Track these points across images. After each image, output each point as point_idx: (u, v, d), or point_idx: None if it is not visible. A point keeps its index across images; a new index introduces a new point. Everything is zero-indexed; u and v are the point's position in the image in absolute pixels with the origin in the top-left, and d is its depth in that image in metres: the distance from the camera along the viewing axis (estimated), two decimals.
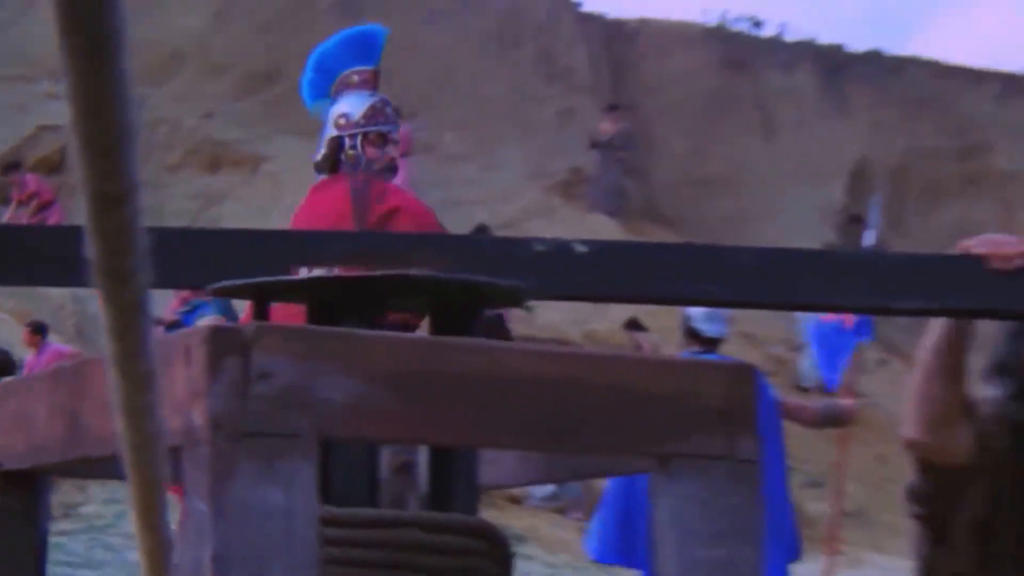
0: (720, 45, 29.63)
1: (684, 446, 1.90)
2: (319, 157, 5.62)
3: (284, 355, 1.64)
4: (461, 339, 1.89)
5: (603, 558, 8.28)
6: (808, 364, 20.67)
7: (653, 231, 24.72)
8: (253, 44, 23.25)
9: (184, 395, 1.63)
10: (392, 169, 5.62)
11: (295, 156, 21.60)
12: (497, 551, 1.96)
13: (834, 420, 8.57)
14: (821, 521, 12.50)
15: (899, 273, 3.13)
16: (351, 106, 5.55)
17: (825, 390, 17.76)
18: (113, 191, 0.95)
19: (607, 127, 23.31)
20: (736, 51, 30.10)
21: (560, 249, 2.80)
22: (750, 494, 1.94)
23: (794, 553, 8.11)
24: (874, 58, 31.69)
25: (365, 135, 5.51)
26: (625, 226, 22.73)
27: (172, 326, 12.73)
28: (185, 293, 12.13)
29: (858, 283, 3.08)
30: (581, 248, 2.79)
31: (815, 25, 59.40)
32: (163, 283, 3.03)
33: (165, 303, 13.09)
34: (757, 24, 31.07)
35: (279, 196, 21.31)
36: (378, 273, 2.05)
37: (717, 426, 1.91)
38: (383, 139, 5.56)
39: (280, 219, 20.32)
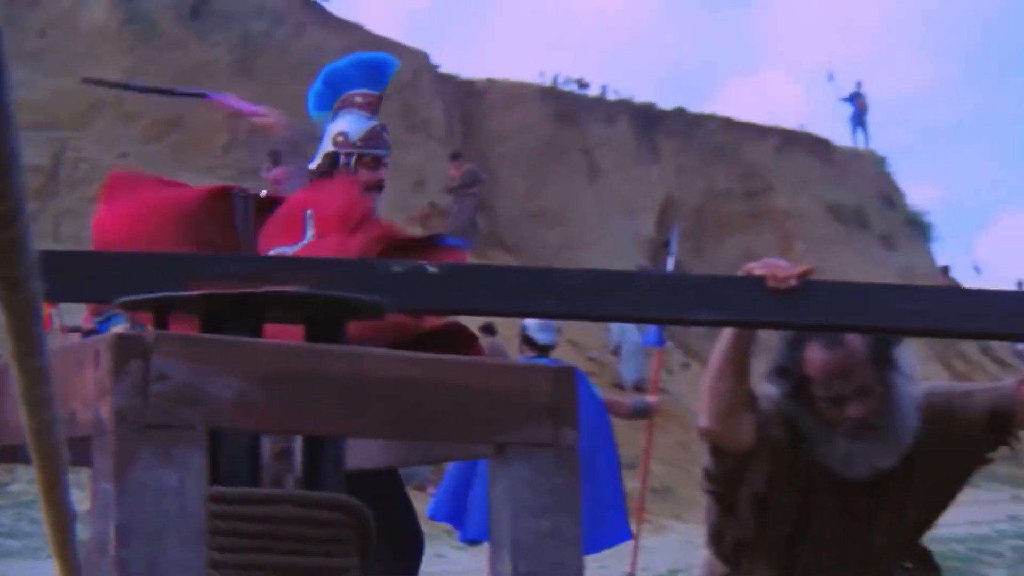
0: (553, 101, 29.82)
1: (517, 436, 1.90)
2: (314, 167, 5.19)
3: (179, 359, 1.62)
4: (330, 346, 1.88)
5: (436, 516, 8.38)
6: (624, 366, 20.89)
7: (497, 256, 24.83)
8: (160, 97, 23.01)
9: (93, 392, 1.61)
10: (379, 188, 5.14)
11: None
12: (358, 523, 1.95)
13: (643, 413, 8.65)
14: (632, 496, 12.63)
15: (694, 290, 3.17)
16: (350, 126, 5.08)
17: (636, 388, 17.89)
18: (4, 211, 0.94)
19: (453, 172, 23.41)
20: (566, 107, 30.29)
21: (415, 270, 2.81)
22: (571, 475, 1.94)
23: (624, 530, 8.17)
24: (679, 114, 32.07)
25: (360, 156, 5.07)
26: (474, 252, 22.78)
27: (88, 333, 12.55)
28: (95, 307, 11.94)
29: (661, 299, 3.10)
30: (432, 269, 2.81)
31: (632, 86, 59.68)
32: (77, 298, 3.00)
33: (80, 314, 12.95)
34: (583, 85, 31.33)
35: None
36: (260, 289, 2.02)
37: (544, 419, 1.92)
38: (376, 162, 5.13)
39: None
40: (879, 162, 36.02)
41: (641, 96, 31.89)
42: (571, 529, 1.95)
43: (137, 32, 23.17)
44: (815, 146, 33.52)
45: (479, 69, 35.82)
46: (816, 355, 3.74)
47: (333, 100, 5.14)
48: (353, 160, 5.03)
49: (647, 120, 31.07)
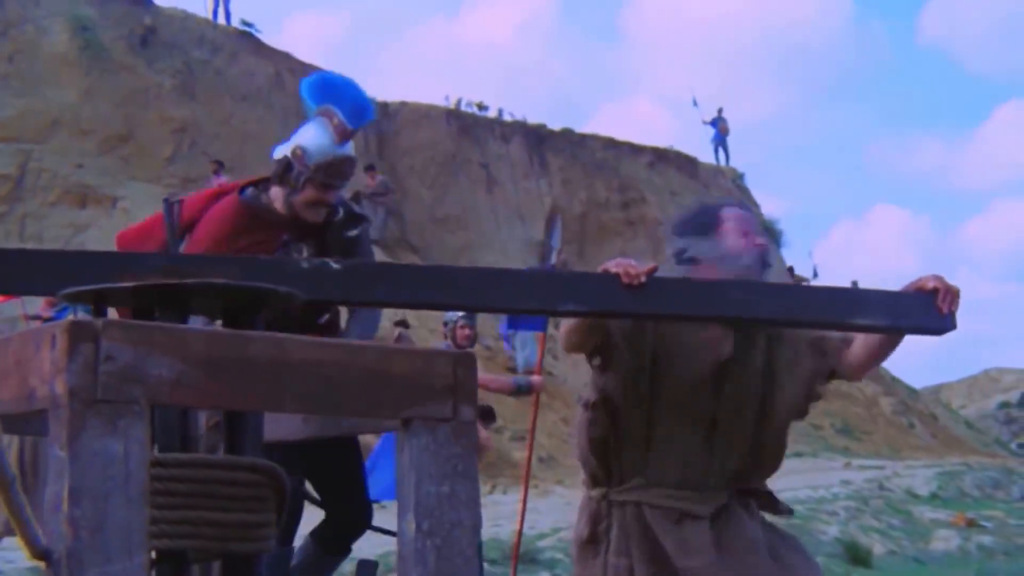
0: (456, 121, 29.79)
1: (421, 411, 1.91)
2: (274, 161, 4.70)
3: (125, 343, 1.62)
4: (255, 332, 1.88)
5: (375, 495, 8.31)
6: (519, 353, 20.91)
7: (406, 257, 24.79)
8: (112, 114, 22.71)
9: (49, 371, 1.61)
10: (324, 205, 4.65)
11: (142, 197, 21.21)
12: (276, 484, 1.96)
13: (525, 390, 8.64)
14: (521, 463, 12.67)
15: (562, 286, 3.31)
16: (314, 144, 4.56)
17: (528, 372, 17.91)
18: None
19: (369, 182, 23.31)
20: (467, 126, 30.26)
21: (321, 266, 2.83)
22: (468, 446, 1.96)
23: None
24: (566, 134, 32.15)
25: (312, 180, 4.55)
26: (386, 252, 22.71)
27: (47, 320, 12.41)
28: (50, 299, 11.76)
29: (535, 293, 3.21)
30: (335, 266, 2.83)
31: (525, 109, 59.76)
32: (31, 292, 2.97)
33: (38, 305, 12.77)
34: (483, 108, 31.31)
35: (130, 224, 20.85)
36: (186, 281, 2.02)
37: (445, 397, 1.94)
38: (324, 187, 4.59)
39: None
40: (738, 177, 36.35)
41: (533, 118, 31.97)
42: (468, 493, 1.97)
43: (92, 58, 22.83)
44: (682, 163, 33.76)
45: (392, 93, 35.59)
46: (733, 213, 3.88)
47: (321, 102, 4.62)
48: (302, 180, 4.57)
49: (538, 139, 31.12)
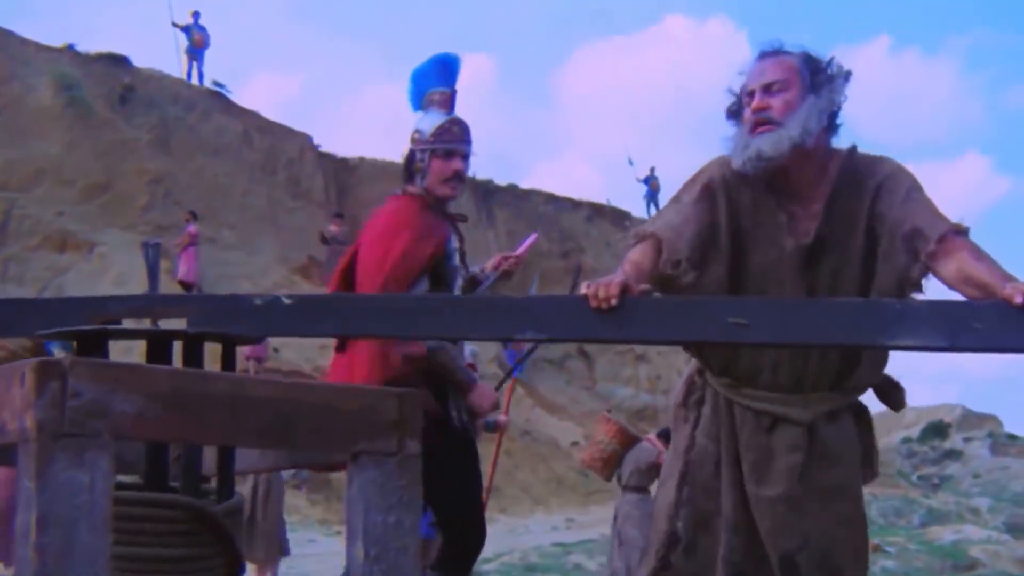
0: None
1: (369, 446, 1.90)
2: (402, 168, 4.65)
3: (91, 380, 1.60)
4: (216, 371, 1.86)
5: None
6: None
7: None
8: (92, 166, 22.55)
9: (20, 406, 1.58)
10: (457, 177, 4.51)
11: (118, 243, 21.05)
12: (200, 519, 1.92)
13: (492, 428, 8.59)
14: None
15: (521, 311, 2.78)
16: (425, 123, 4.49)
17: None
18: None
19: (335, 228, 23.23)
20: None
21: (272, 301, 2.67)
22: (413, 478, 1.95)
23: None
24: (511, 189, 32.27)
25: (433, 151, 4.45)
26: None
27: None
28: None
29: (493, 319, 2.75)
30: (287, 301, 2.68)
31: (473, 166, 60.00)
32: (20, 333, 2.92)
33: None
34: None
35: (106, 269, 20.75)
36: (102, 326, 2.00)
37: (391, 433, 1.92)
38: (449, 154, 4.47)
39: (106, 284, 19.82)
40: None
41: (481, 174, 32.02)
42: (412, 522, 1.95)
43: (75, 113, 22.67)
44: (617, 217, 33.92)
45: (353, 148, 35.61)
46: (752, 69, 3.27)
47: (421, 99, 4.59)
48: (427, 155, 4.47)
49: (485, 193, 31.18)
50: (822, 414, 3.32)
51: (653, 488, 10.36)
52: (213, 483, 2.13)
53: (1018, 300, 2.59)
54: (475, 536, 4.49)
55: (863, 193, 3.18)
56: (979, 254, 2.92)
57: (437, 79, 4.58)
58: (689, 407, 3.53)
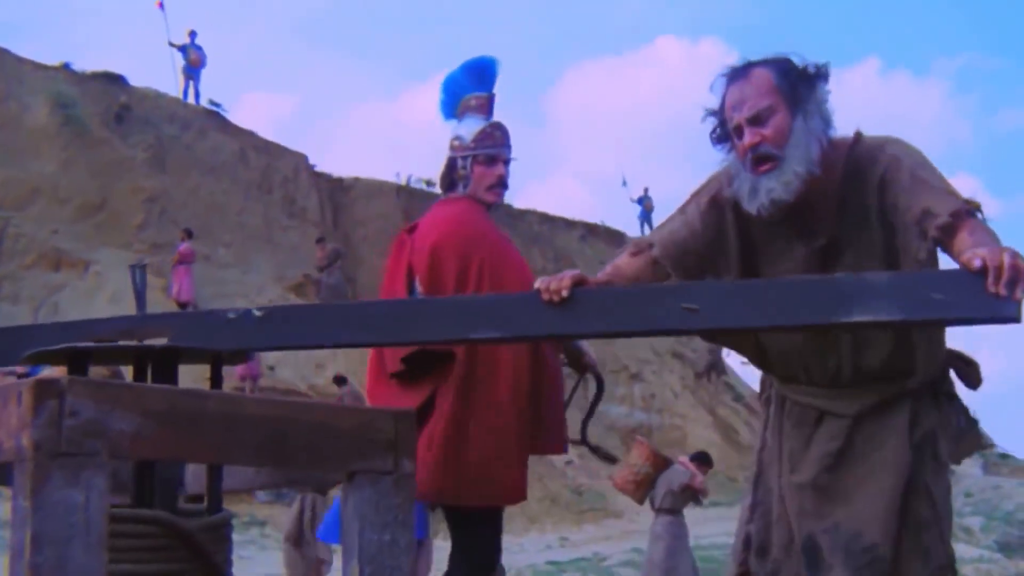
0: (406, 196, 29.79)
1: (364, 465, 1.90)
2: (439, 176, 4.46)
3: (88, 399, 1.59)
4: (211, 390, 1.86)
5: (325, 538, 8.20)
6: None
7: None
8: (88, 184, 22.54)
9: (16, 425, 1.58)
10: (502, 185, 4.35)
11: (113, 261, 21.02)
12: (173, 534, 1.92)
13: None
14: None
15: (478, 310, 2.74)
16: (464, 129, 4.31)
17: None
18: None
19: (320, 254, 23.28)
20: (416, 201, 30.20)
21: (245, 315, 2.61)
22: (407, 497, 1.95)
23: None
24: (505, 208, 32.26)
25: (475, 157, 4.28)
26: None
27: (23, 375, 12.21)
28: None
29: (450, 320, 2.69)
30: (257, 313, 2.61)
31: None
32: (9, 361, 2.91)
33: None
34: (431, 184, 31.32)
35: (101, 287, 20.74)
36: (89, 344, 2.00)
37: (386, 452, 1.92)
38: (491, 160, 4.31)
39: (101, 303, 19.80)
40: None
41: None
42: (406, 540, 1.95)
43: (71, 132, 22.68)
44: (611, 236, 33.96)
45: (347, 168, 35.64)
46: (726, 92, 3.12)
47: (455, 107, 4.40)
48: (469, 162, 4.30)
49: None
50: (869, 406, 3.22)
51: (685, 511, 10.49)
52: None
53: (976, 264, 2.42)
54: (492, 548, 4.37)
55: (869, 186, 3.08)
56: (975, 228, 2.79)
57: (473, 84, 4.41)
58: (762, 406, 3.53)
